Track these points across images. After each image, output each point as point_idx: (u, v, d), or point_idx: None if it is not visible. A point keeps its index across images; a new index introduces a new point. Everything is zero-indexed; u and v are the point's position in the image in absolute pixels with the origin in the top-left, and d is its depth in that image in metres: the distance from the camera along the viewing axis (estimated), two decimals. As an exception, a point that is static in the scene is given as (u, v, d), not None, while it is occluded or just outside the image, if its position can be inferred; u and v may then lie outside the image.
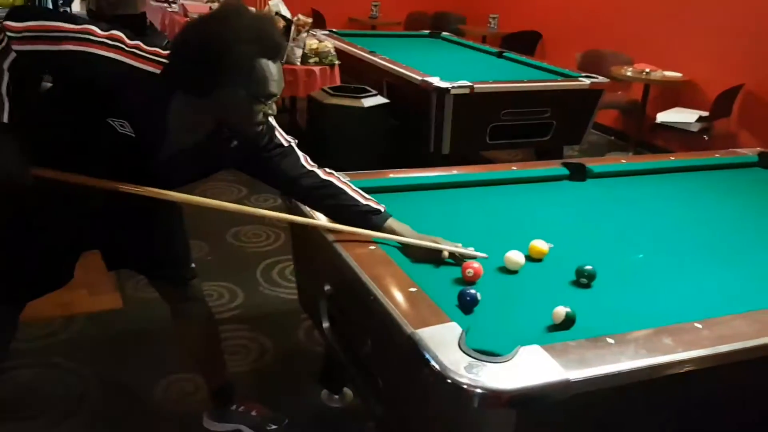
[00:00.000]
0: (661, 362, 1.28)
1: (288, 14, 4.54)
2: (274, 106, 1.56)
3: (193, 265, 1.97)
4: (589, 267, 1.65)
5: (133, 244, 1.81)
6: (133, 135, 1.51)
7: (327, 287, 1.80)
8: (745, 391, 1.51)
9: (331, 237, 1.70)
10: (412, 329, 1.29)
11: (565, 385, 1.19)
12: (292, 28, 4.35)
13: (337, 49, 4.55)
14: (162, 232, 1.85)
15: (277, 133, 1.72)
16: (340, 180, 1.78)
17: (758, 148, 2.79)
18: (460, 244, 1.72)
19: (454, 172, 2.32)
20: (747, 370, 1.42)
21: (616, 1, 5.74)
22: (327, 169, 1.80)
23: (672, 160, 2.61)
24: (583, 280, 1.64)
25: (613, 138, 5.80)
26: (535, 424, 1.25)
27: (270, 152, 1.71)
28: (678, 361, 1.29)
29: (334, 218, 1.75)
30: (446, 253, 1.70)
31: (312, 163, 1.78)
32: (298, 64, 4.26)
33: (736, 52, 4.75)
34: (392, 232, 1.73)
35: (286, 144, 1.74)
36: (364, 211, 1.74)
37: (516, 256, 1.70)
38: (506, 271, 1.70)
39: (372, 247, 1.66)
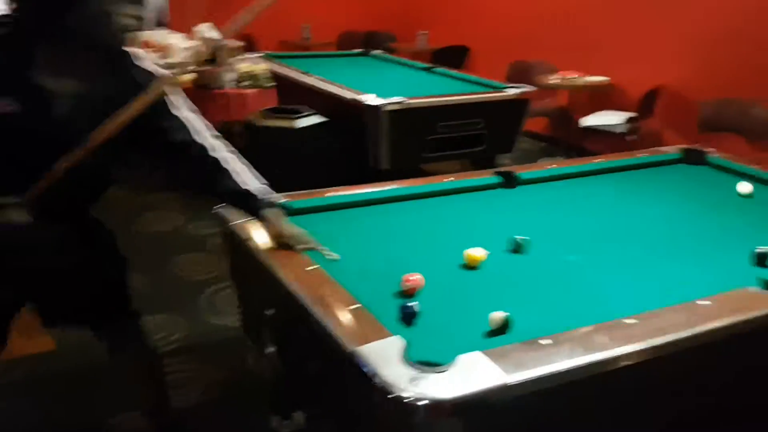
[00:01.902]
0: (597, 359, 1.31)
1: (217, 39, 4.50)
2: (143, 14, 1.57)
3: (129, 298, 1.92)
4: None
5: (64, 292, 1.74)
6: (19, 110, 1.46)
7: (269, 311, 1.78)
8: (686, 381, 1.56)
9: (269, 260, 1.69)
10: (354, 346, 1.29)
11: (505, 389, 1.21)
12: (221, 52, 4.32)
13: (272, 71, 4.54)
14: (93, 275, 1.79)
15: (174, 109, 1.72)
16: (233, 160, 1.80)
17: (682, 145, 2.93)
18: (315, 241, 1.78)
19: (391, 186, 2.34)
20: (684, 361, 1.48)
21: (541, 13, 5.95)
22: (225, 146, 1.81)
23: (597, 162, 2.71)
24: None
25: (545, 144, 5.98)
26: (482, 430, 1.26)
27: (165, 116, 1.70)
28: (613, 357, 1.34)
29: (214, 194, 1.80)
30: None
31: (207, 137, 1.79)
32: (230, 87, 4.23)
33: (656, 54, 5.00)
34: (265, 220, 1.77)
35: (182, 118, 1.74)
36: (240, 193, 1.77)
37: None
38: (446, 280, 1.73)
39: (311, 268, 1.66)
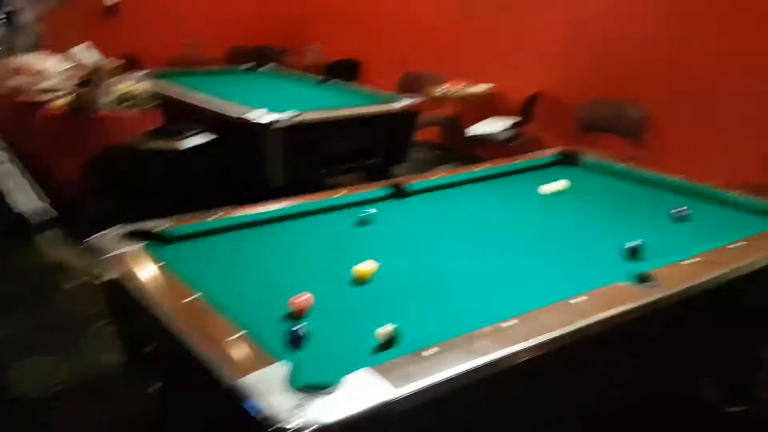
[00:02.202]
0: (480, 364, 1.35)
1: (94, 60, 4.29)
2: None
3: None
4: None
5: None
6: None
7: (150, 347, 1.70)
8: (573, 376, 1.62)
9: (144, 292, 1.61)
10: (235, 378, 1.25)
11: (393, 404, 1.21)
12: (99, 74, 4.11)
13: (155, 91, 4.36)
14: None
15: None
16: (9, 175, 1.68)
17: (560, 147, 3.07)
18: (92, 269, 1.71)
19: (279, 205, 2.30)
20: (566, 357, 1.53)
21: (428, 26, 6.10)
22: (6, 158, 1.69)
23: (481, 169, 2.79)
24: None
25: (439, 153, 6.11)
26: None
27: None
28: (495, 360, 1.37)
29: None
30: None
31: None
32: (109, 110, 4.03)
33: (534, 61, 5.25)
34: (37, 246, 1.66)
35: None
36: (10, 214, 1.63)
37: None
38: (336, 297, 1.71)
39: (190, 298, 1.59)
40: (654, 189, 2.61)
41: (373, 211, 2.27)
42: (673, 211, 2.28)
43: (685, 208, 2.28)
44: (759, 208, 2.32)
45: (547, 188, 2.53)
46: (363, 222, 2.23)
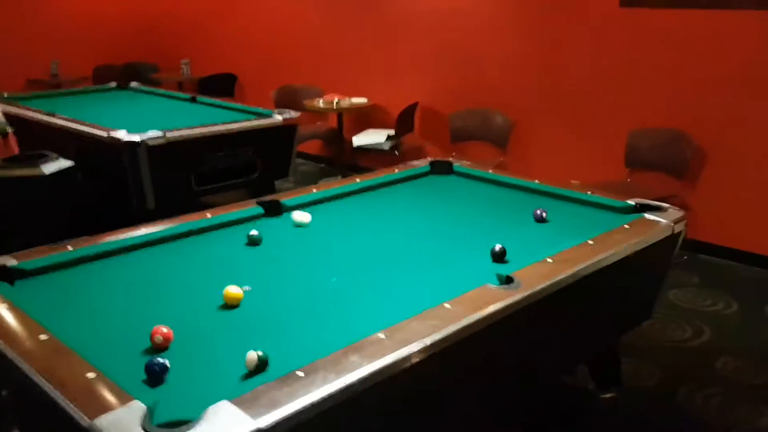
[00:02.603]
0: (351, 381, 1.34)
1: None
2: None
3: None
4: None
5: None
6: None
7: (3, 392, 1.56)
8: (449, 379, 1.65)
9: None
10: (89, 419, 1.17)
11: (257, 434, 1.18)
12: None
13: (12, 115, 4.06)
14: None
15: None
16: None
17: (429, 158, 3.15)
18: None
19: (141, 231, 2.19)
20: (440, 362, 1.56)
21: (304, 39, 6.09)
22: None
23: (357, 182, 2.81)
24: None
25: (323, 165, 6.12)
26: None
27: None
28: (367, 375, 1.36)
29: None
30: None
31: None
32: (-43, 137, 3.69)
33: (409, 74, 5.39)
34: None
35: None
36: None
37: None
38: (204, 325, 1.65)
39: (43, 338, 1.48)
40: (518, 192, 2.74)
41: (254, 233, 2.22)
42: (535, 212, 2.40)
43: (544, 210, 2.41)
44: (612, 206, 2.50)
45: (297, 216, 2.40)
46: (254, 241, 2.19)
